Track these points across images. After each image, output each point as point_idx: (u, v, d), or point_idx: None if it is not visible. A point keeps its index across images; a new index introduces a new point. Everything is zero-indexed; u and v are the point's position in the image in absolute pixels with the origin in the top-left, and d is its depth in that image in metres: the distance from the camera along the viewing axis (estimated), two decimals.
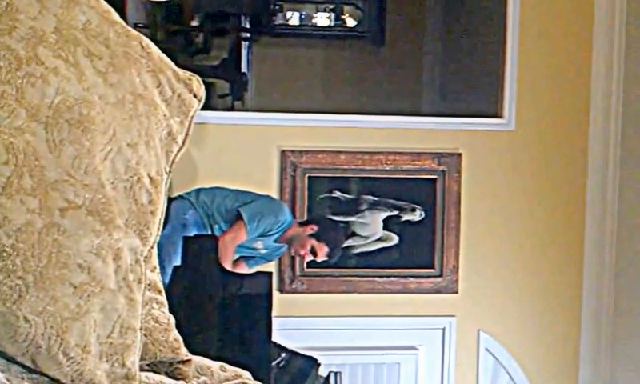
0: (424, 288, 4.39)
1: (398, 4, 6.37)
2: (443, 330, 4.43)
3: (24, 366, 1.28)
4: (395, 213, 4.37)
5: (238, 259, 3.93)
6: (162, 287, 1.71)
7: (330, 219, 4.18)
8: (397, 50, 6.34)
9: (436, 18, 6.19)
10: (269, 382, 3.22)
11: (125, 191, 1.45)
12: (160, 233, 1.57)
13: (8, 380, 1.25)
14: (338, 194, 4.33)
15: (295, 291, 4.30)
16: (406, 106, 5.73)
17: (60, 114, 1.32)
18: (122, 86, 1.48)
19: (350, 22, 6.54)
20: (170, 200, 3.59)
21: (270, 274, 3.50)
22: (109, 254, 1.36)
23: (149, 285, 1.58)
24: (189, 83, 1.71)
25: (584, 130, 4.43)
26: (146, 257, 1.51)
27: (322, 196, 4.32)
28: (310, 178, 4.27)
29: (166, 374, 1.61)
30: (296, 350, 3.63)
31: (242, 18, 6.32)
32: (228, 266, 3.62)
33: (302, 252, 3.84)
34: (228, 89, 5.94)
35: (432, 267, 4.39)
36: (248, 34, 6.39)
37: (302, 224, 3.95)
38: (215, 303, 3.32)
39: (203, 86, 1.76)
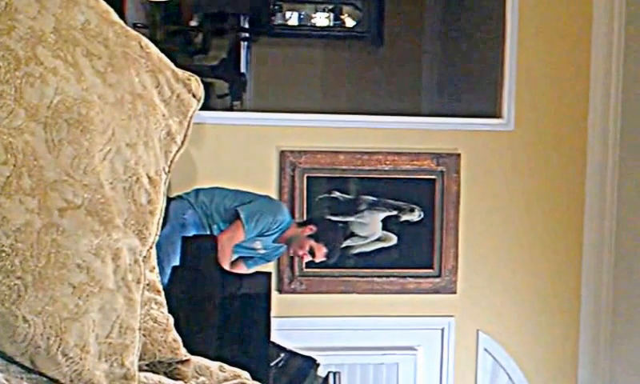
0: (423, 288, 4.39)
1: (397, 4, 6.37)
2: (442, 330, 4.43)
3: (23, 366, 1.28)
4: (394, 213, 4.37)
5: (236, 259, 3.94)
6: (160, 287, 1.71)
7: (329, 220, 4.18)
8: (396, 50, 6.34)
9: (435, 18, 6.19)
10: (268, 382, 3.22)
11: (124, 191, 1.45)
12: (159, 233, 1.57)
13: (7, 380, 1.25)
14: (337, 194, 4.33)
15: (294, 291, 4.31)
16: (405, 106, 5.72)
17: (59, 113, 1.32)
18: (120, 86, 1.48)
19: (349, 22, 6.54)
20: (169, 200, 3.59)
21: (268, 274, 3.50)
22: (108, 254, 1.36)
23: (148, 285, 1.58)
24: (188, 83, 1.71)
25: (583, 130, 4.43)
26: (144, 257, 1.51)
27: (320, 196, 4.32)
28: (308, 178, 4.27)
29: (165, 374, 1.61)
30: (295, 350, 3.63)
31: (241, 18, 6.32)
32: (226, 266, 3.62)
33: (301, 252, 3.85)
34: (227, 89, 5.94)
35: (431, 267, 4.39)
36: (247, 34, 6.39)
37: (301, 224, 3.95)
38: (214, 303, 3.32)
39: (202, 86, 1.76)
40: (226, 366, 1.74)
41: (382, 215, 4.37)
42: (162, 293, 1.71)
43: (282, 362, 3.51)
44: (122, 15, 1.76)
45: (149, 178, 1.52)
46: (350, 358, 4.33)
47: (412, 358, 4.41)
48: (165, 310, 1.68)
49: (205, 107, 1.84)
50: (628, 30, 4.23)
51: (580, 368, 4.50)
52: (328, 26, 6.50)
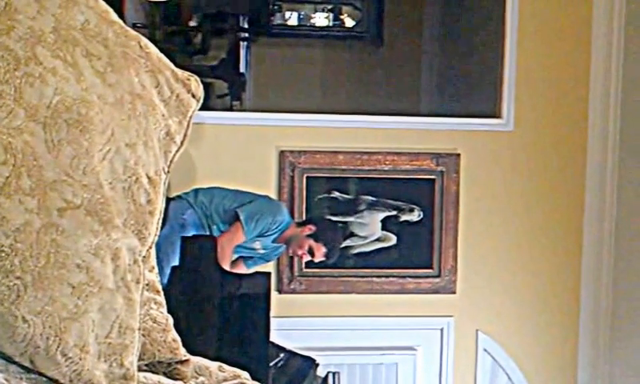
0: (422, 288, 4.39)
1: (396, 4, 6.37)
2: (441, 330, 4.43)
3: (22, 366, 1.28)
4: (393, 213, 4.37)
5: (236, 259, 3.94)
6: (160, 287, 1.71)
7: (328, 219, 4.18)
8: (395, 50, 6.34)
9: (434, 19, 6.19)
10: (267, 382, 3.22)
11: (123, 191, 1.45)
12: (158, 233, 1.57)
13: (6, 380, 1.24)
14: (336, 194, 4.33)
15: (293, 291, 4.31)
16: (405, 106, 5.73)
17: (58, 114, 1.32)
18: (120, 86, 1.48)
19: (349, 22, 6.54)
20: (169, 200, 3.58)
21: (268, 274, 3.50)
22: (107, 254, 1.36)
23: (147, 285, 1.58)
24: (187, 83, 1.71)
25: (583, 130, 4.43)
26: (144, 257, 1.51)
27: (320, 196, 4.32)
28: (308, 178, 4.27)
29: (165, 375, 1.61)
30: (294, 350, 3.63)
31: (241, 18, 6.32)
32: (226, 267, 3.62)
33: (300, 252, 3.85)
34: (226, 89, 5.94)
35: (430, 267, 4.39)
36: (246, 34, 6.39)
37: (300, 224, 3.95)
38: (213, 303, 3.32)
39: (202, 86, 1.76)
40: (225, 365, 1.74)
41: (382, 215, 4.37)
42: (162, 293, 1.70)
43: (282, 362, 3.51)
44: (121, 15, 1.75)
45: (148, 178, 1.52)
46: (349, 358, 4.33)
47: (411, 358, 4.41)
48: (164, 310, 1.68)
49: (204, 107, 1.84)
50: (628, 31, 4.23)
51: (579, 368, 4.50)
52: (327, 26, 6.50)
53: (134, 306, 1.41)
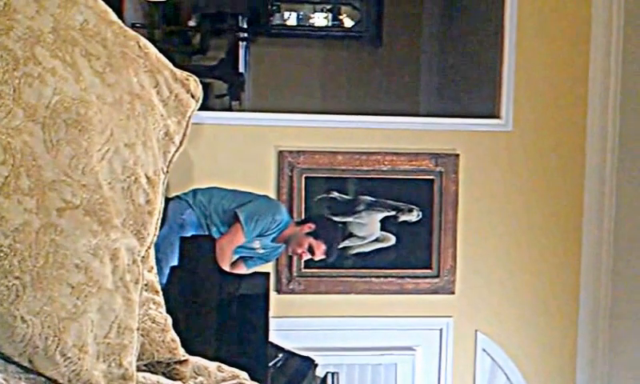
0: (421, 288, 4.39)
1: (395, 5, 6.38)
2: (440, 330, 4.43)
3: (21, 366, 1.28)
4: (392, 213, 4.37)
5: (236, 260, 3.94)
6: (159, 287, 1.71)
7: (327, 218, 4.18)
8: (394, 50, 6.35)
9: (433, 19, 6.20)
10: (266, 382, 3.22)
11: (122, 191, 1.45)
12: (157, 233, 1.57)
13: (5, 380, 1.24)
14: (335, 194, 4.33)
15: (292, 292, 4.30)
16: (404, 106, 5.74)
17: (57, 114, 1.32)
18: (119, 86, 1.48)
19: (348, 23, 6.54)
20: (168, 200, 3.59)
21: (267, 274, 3.50)
22: (106, 254, 1.36)
23: (146, 285, 1.58)
24: (186, 83, 1.71)
25: (581, 130, 4.43)
26: (143, 257, 1.51)
27: (319, 196, 4.32)
28: (307, 178, 4.27)
29: (163, 375, 1.61)
30: (293, 350, 3.63)
31: (240, 18, 6.33)
32: (226, 268, 3.62)
33: (300, 250, 3.84)
34: (225, 89, 5.95)
35: (429, 268, 4.39)
36: (245, 34, 6.40)
37: (299, 223, 3.95)
38: (212, 304, 3.32)
39: (201, 86, 1.76)
40: (224, 366, 1.74)
41: (381, 215, 4.37)
42: (161, 293, 1.70)
43: (281, 362, 3.51)
44: (120, 15, 1.75)
45: (147, 178, 1.52)
46: (348, 358, 4.33)
47: (410, 359, 4.41)
48: (163, 310, 1.68)
49: (203, 107, 1.84)
50: (627, 31, 4.23)
51: (578, 369, 4.50)
52: (326, 26, 6.51)
53: (132, 306, 1.41)
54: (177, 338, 1.66)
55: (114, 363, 1.36)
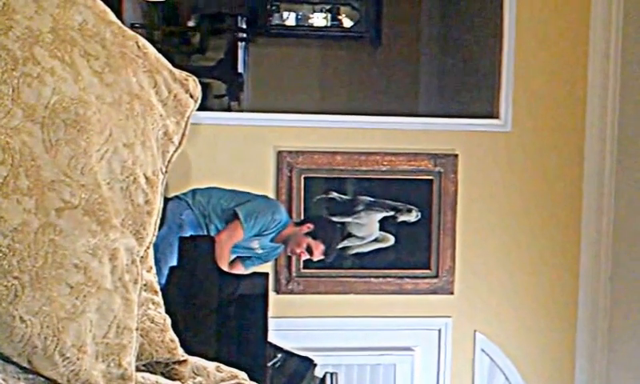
0: (420, 289, 4.39)
1: (394, 5, 6.39)
2: (439, 330, 4.43)
3: (20, 366, 1.28)
4: (391, 214, 4.37)
5: (234, 260, 3.93)
6: (158, 288, 1.71)
7: (326, 218, 4.18)
8: (393, 50, 6.36)
9: (432, 19, 6.20)
10: (265, 382, 3.22)
11: (121, 191, 1.45)
12: (156, 233, 1.57)
13: (4, 380, 1.24)
14: (334, 194, 4.33)
15: (291, 292, 4.31)
16: (403, 106, 5.74)
17: (56, 114, 1.32)
18: (118, 86, 1.48)
19: (347, 23, 6.55)
20: (166, 200, 3.59)
21: (266, 274, 3.50)
22: (105, 254, 1.36)
23: (145, 285, 1.58)
24: (185, 83, 1.71)
25: (580, 131, 4.43)
26: (142, 257, 1.51)
27: (318, 197, 4.32)
28: (306, 178, 4.27)
29: (162, 375, 1.61)
30: (292, 350, 3.63)
31: (239, 18, 6.33)
32: (224, 266, 3.61)
33: (298, 250, 3.85)
34: (224, 89, 5.95)
35: (428, 268, 4.39)
36: (244, 35, 6.40)
37: (298, 223, 3.95)
38: (211, 304, 3.32)
39: (199, 87, 1.76)
40: (223, 366, 1.74)
41: (380, 216, 4.37)
42: (160, 293, 1.70)
43: (279, 362, 3.51)
44: (119, 15, 1.75)
45: (146, 178, 1.52)
46: (347, 358, 4.33)
47: (409, 359, 4.41)
48: (162, 310, 1.68)
49: (202, 107, 1.84)
50: (626, 31, 4.24)
51: (577, 369, 4.50)
52: (325, 27, 6.51)
53: (131, 306, 1.41)
54: (176, 338, 1.66)
55: (113, 363, 1.36)
